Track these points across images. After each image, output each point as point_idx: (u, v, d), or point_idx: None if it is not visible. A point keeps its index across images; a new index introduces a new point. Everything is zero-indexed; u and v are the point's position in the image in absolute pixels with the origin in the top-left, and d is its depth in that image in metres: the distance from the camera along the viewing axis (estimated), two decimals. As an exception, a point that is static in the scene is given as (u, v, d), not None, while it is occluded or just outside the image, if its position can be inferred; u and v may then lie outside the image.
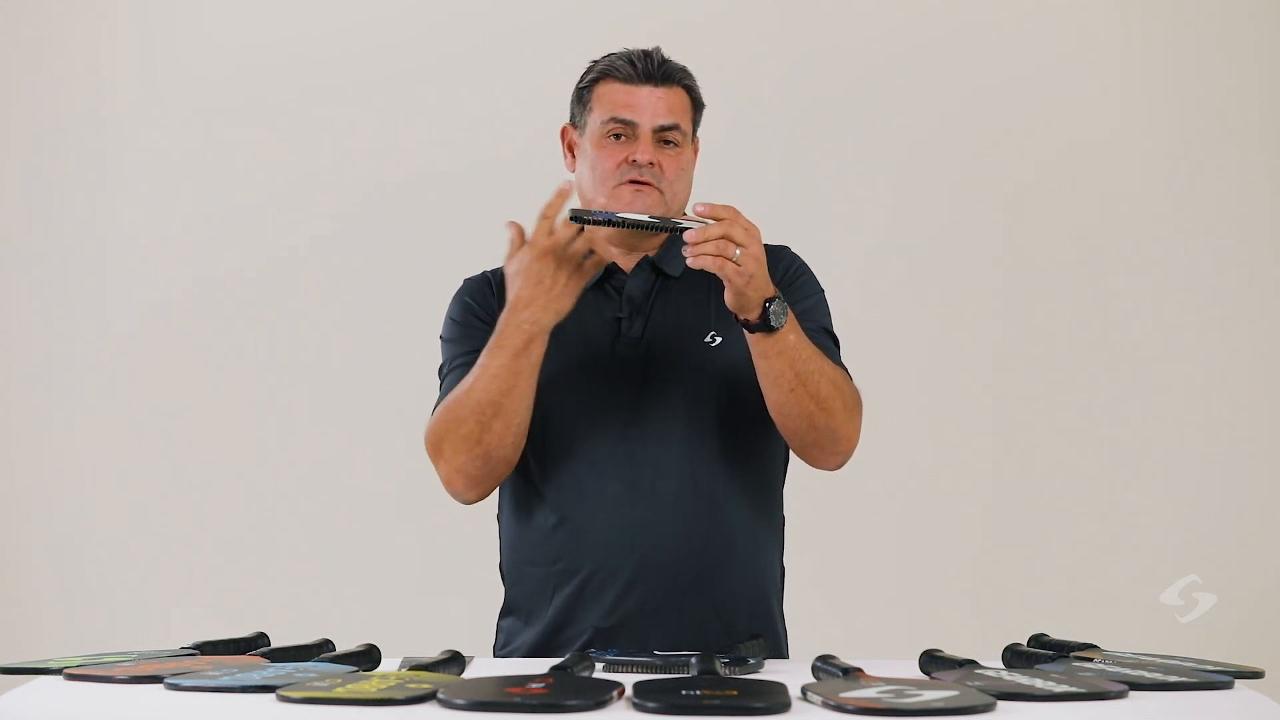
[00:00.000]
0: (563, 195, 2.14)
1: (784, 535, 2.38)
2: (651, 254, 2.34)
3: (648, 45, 2.34)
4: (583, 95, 2.33)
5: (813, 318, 2.30)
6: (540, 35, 3.91)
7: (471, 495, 2.26)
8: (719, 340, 2.28)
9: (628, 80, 2.28)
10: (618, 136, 2.27)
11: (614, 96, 2.28)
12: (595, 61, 2.34)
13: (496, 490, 2.37)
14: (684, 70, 2.33)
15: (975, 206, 3.93)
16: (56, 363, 3.99)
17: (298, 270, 3.97)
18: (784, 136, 3.96)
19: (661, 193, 2.26)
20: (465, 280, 2.41)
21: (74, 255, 4.00)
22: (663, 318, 2.30)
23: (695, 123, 2.34)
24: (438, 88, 3.98)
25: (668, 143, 2.27)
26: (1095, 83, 3.94)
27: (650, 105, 2.27)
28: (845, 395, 2.20)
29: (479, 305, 2.34)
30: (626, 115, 2.27)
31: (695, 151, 2.37)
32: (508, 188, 3.88)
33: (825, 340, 2.29)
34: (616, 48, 2.34)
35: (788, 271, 2.34)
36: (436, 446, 2.23)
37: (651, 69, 2.28)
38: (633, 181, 2.25)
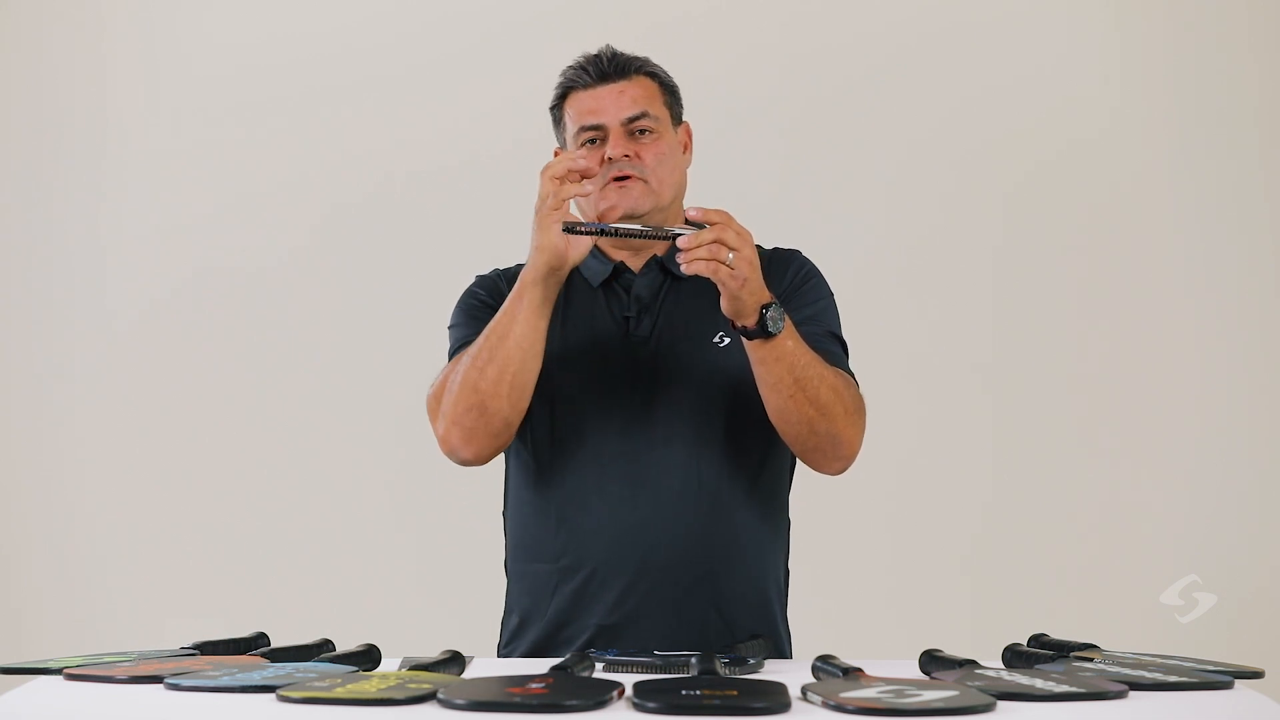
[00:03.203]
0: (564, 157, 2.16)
1: (789, 538, 2.38)
2: (660, 253, 2.34)
3: (627, 48, 2.34)
4: (555, 115, 2.35)
5: (820, 321, 2.30)
6: (540, 33, 3.91)
7: (467, 452, 2.22)
8: (727, 341, 2.27)
9: (587, 86, 2.29)
10: (592, 142, 2.28)
11: (579, 106, 2.30)
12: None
13: (501, 489, 2.37)
14: (642, 59, 2.33)
15: (974, 206, 3.93)
16: (56, 362, 3.99)
17: (297, 270, 3.97)
18: (782, 136, 3.95)
19: (646, 181, 2.26)
20: (477, 276, 2.41)
21: (74, 255, 4.00)
22: (671, 317, 2.30)
23: (672, 108, 2.34)
24: (437, 86, 3.98)
25: (642, 132, 2.28)
26: (1093, 83, 3.94)
27: (613, 102, 2.28)
28: (846, 401, 2.19)
29: (488, 294, 2.35)
30: (592, 120, 2.28)
31: (689, 136, 2.37)
32: (509, 185, 3.88)
33: (832, 345, 2.29)
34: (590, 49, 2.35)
35: (797, 274, 2.34)
36: (436, 399, 2.23)
37: (605, 67, 2.30)
38: (615, 179, 2.25)
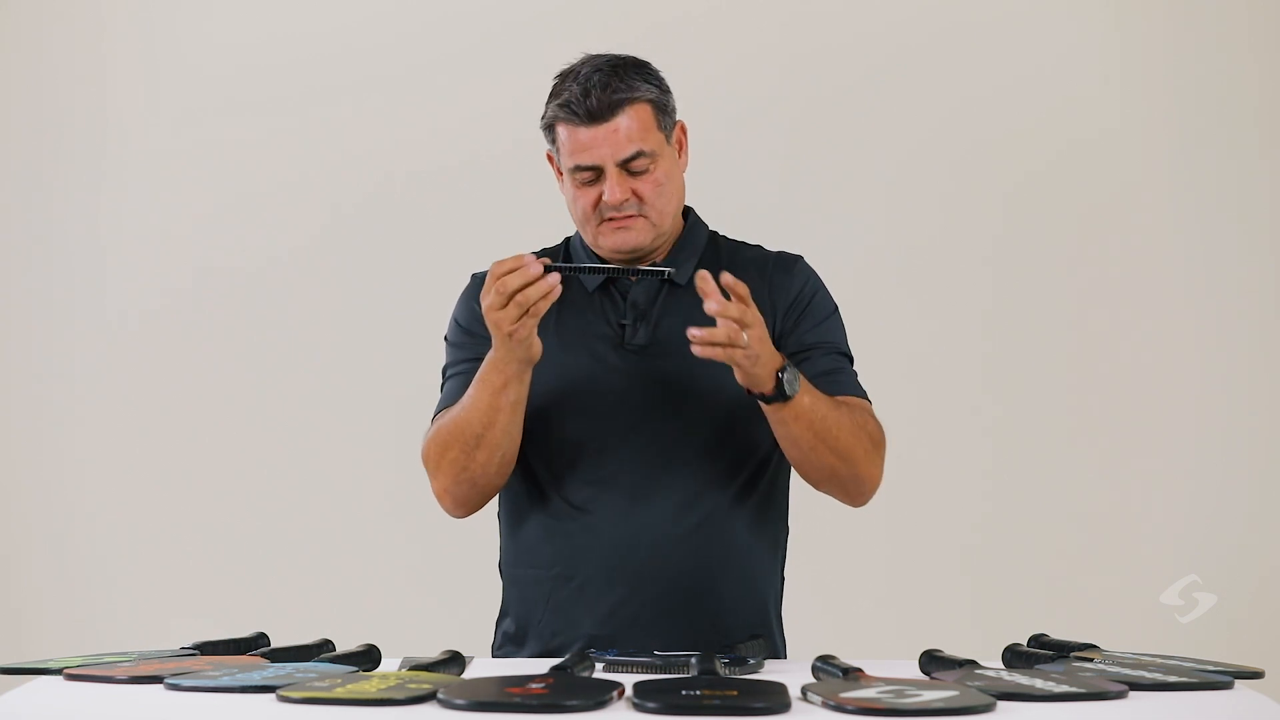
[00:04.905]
0: (521, 270, 2.05)
1: (787, 547, 2.37)
2: (658, 259, 2.31)
3: (627, 48, 2.29)
4: (548, 136, 2.27)
5: (827, 339, 2.29)
6: (540, 33, 3.90)
7: (460, 513, 2.29)
8: None
9: (577, 123, 2.20)
10: (588, 180, 2.22)
11: (572, 141, 2.21)
12: (552, 88, 2.26)
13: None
14: (631, 85, 2.21)
15: (974, 206, 3.92)
16: (56, 362, 3.99)
17: (297, 270, 3.97)
18: (782, 136, 3.95)
19: (646, 217, 2.23)
20: (473, 277, 2.38)
21: (74, 255, 4.00)
22: (669, 326, 2.26)
23: (664, 125, 2.25)
24: (437, 85, 3.98)
25: (637, 170, 2.21)
26: (1093, 83, 3.94)
27: (606, 142, 2.19)
28: (866, 442, 2.19)
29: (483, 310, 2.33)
30: (587, 160, 2.20)
31: (683, 134, 2.30)
32: (509, 186, 3.89)
33: (845, 371, 2.28)
34: (602, 48, 2.28)
35: (803, 288, 2.31)
36: (427, 464, 2.26)
37: (594, 108, 2.19)
38: (612, 219, 2.23)
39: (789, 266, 2.34)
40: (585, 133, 2.20)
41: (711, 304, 2.00)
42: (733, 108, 3.88)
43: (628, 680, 1.71)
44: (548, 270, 2.05)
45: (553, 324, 2.24)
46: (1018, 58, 3.94)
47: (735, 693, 1.62)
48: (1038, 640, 2.03)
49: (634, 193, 2.22)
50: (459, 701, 1.56)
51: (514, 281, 2.04)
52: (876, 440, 2.22)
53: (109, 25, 4.03)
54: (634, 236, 2.24)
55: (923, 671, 1.86)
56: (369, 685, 1.64)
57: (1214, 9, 3.91)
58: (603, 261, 2.30)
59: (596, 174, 2.22)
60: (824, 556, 3.68)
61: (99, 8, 4.03)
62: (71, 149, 4.01)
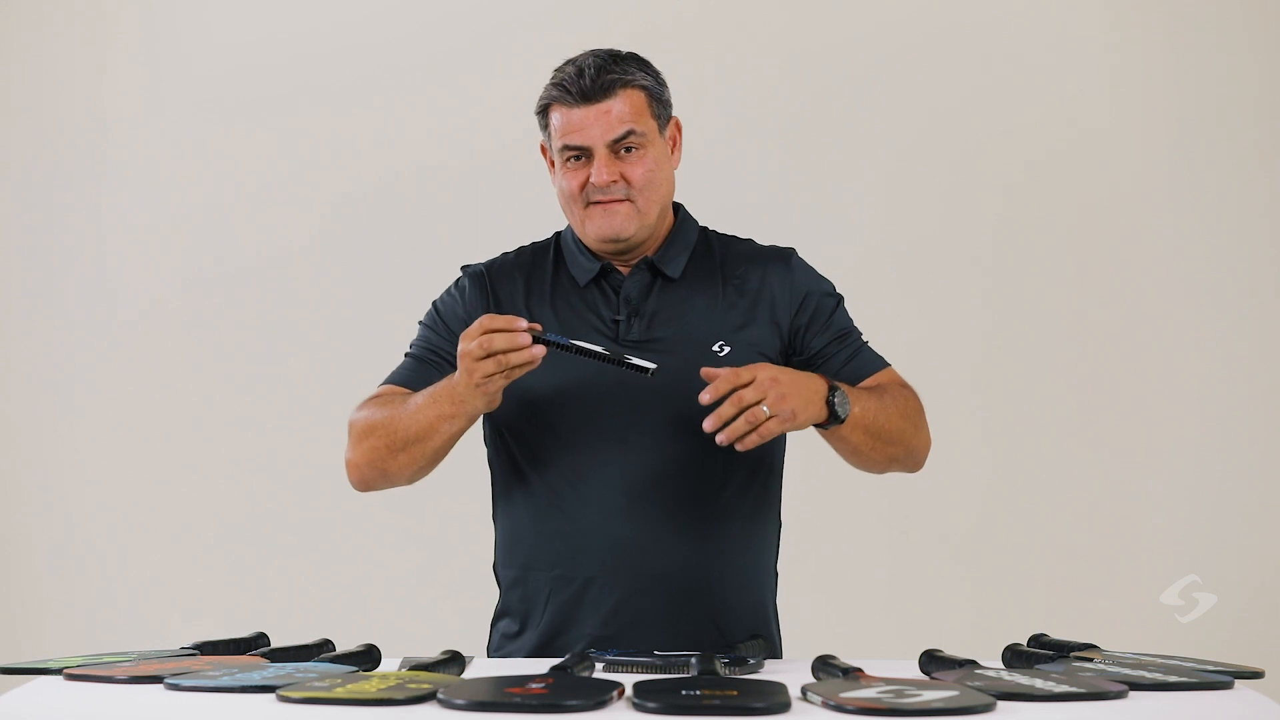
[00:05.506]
0: (509, 335, 2.03)
1: (779, 542, 2.37)
2: (650, 253, 2.31)
3: (623, 46, 2.29)
4: (540, 119, 2.28)
5: (840, 329, 2.31)
6: (538, 31, 3.91)
7: (361, 489, 2.33)
8: (727, 350, 2.24)
9: (571, 104, 2.21)
10: (576, 158, 2.23)
11: (563, 123, 2.22)
12: (550, 78, 2.27)
13: (490, 489, 2.37)
14: (625, 71, 2.23)
15: (972, 205, 3.93)
16: (57, 362, 3.99)
17: (296, 269, 3.97)
18: (779, 135, 3.95)
19: (632, 202, 2.23)
20: (464, 271, 2.38)
21: (74, 255, 4.00)
22: (665, 321, 2.26)
23: (659, 114, 2.26)
24: (435, 84, 3.98)
25: (628, 149, 2.22)
26: (1091, 80, 3.94)
27: (597, 123, 2.21)
28: (913, 418, 2.22)
29: (464, 310, 2.32)
30: (576, 140, 2.21)
31: (678, 130, 2.30)
32: (510, 184, 3.89)
33: (855, 343, 2.30)
34: (596, 44, 2.29)
35: (807, 290, 2.32)
36: (351, 432, 2.27)
37: (587, 87, 2.20)
38: (599, 201, 2.23)
39: (785, 261, 2.35)
40: (577, 113, 2.21)
41: (705, 395, 2.00)
42: (730, 106, 3.88)
43: (628, 680, 1.71)
44: (536, 340, 2.03)
45: (544, 319, 2.24)
46: (1017, 57, 3.94)
47: (735, 693, 1.62)
48: (1038, 640, 2.03)
49: (622, 176, 2.22)
50: (459, 701, 1.56)
51: (499, 342, 2.03)
52: (919, 410, 2.25)
53: (109, 25, 4.03)
54: (619, 222, 2.23)
55: (923, 671, 1.86)
56: (369, 685, 1.64)
57: (1214, 9, 3.91)
58: (593, 254, 2.30)
59: (586, 156, 2.22)
60: (824, 556, 3.69)
61: (99, 8, 4.03)
62: (71, 149, 4.01)
